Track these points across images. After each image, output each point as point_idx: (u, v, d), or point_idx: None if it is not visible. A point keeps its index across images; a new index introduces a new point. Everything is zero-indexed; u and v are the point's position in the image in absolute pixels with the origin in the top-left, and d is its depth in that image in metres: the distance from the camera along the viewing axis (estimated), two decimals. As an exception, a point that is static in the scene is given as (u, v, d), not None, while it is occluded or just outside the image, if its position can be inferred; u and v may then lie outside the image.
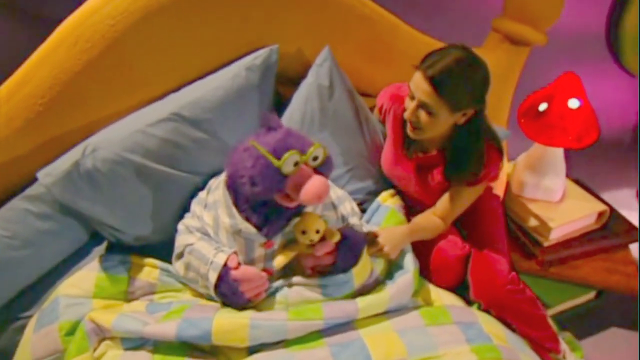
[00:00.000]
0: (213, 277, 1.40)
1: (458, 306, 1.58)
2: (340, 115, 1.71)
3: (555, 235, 2.24)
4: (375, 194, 1.74)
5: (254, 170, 1.30)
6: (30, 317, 1.50)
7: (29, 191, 1.53)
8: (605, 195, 2.44)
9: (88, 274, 1.51)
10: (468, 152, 1.54)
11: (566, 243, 2.28)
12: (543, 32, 1.95)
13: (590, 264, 2.27)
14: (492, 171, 1.57)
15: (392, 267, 1.58)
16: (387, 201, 1.71)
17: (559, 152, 2.25)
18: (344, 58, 1.75)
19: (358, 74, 1.81)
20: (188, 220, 1.52)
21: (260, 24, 1.63)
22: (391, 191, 1.74)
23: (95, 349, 1.40)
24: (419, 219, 1.64)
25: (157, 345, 1.38)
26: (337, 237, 1.43)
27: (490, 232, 1.71)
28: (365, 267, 1.48)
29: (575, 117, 2.12)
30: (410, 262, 1.56)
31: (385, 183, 1.76)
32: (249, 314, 1.37)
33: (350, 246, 1.43)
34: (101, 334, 1.39)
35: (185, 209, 1.57)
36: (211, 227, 1.48)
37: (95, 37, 1.43)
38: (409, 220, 1.67)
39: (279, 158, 1.29)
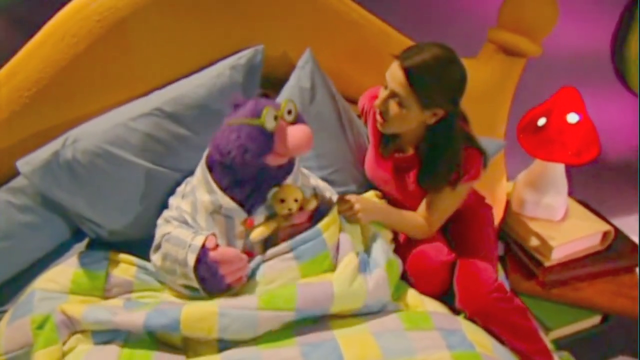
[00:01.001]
0: (192, 259, 1.35)
1: (441, 312, 1.52)
2: (322, 118, 1.70)
3: (557, 255, 2.17)
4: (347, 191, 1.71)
5: (240, 140, 1.33)
6: (6, 312, 1.49)
7: (12, 183, 1.53)
8: (612, 218, 2.36)
9: (65, 269, 1.50)
10: (438, 157, 1.50)
11: (569, 264, 2.20)
12: (538, 43, 1.94)
13: (594, 286, 2.19)
14: (472, 169, 1.52)
15: (368, 253, 1.51)
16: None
17: (559, 169, 2.20)
18: (332, 63, 1.75)
19: (347, 80, 1.81)
20: (166, 212, 1.51)
21: (247, 26, 1.65)
22: (377, 192, 1.71)
23: (64, 342, 1.38)
24: (401, 210, 1.60)
25: (128, 339, 1.35)
26: (314, 204, 1.45)
27: (478, 240, 1.65)
28: (335, 222, 1.46)
29: (574, 132, 2.09)
30: (382, 251, 1.50)
31: (369, 187, 1.74)
32: (217, 302, 1.33)
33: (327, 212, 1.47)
34: (72, 327, 1.37)
35: (166, 205, 1.55)
36: (189, 214, 1.46)
37: (82, 32, 1.46)
38: None
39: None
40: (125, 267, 1.51)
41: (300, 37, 1.72)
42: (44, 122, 1.52)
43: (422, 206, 1.59)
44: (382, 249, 1.51)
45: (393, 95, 1.45)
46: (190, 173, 1.55)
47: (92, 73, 1.52)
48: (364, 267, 1.44)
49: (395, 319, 1.42)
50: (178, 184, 1.57)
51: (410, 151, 1.59)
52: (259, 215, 1.43)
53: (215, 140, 1.40)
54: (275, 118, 1.33)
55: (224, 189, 1.41)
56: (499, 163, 2.19)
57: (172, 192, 1.56)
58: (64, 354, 1.35)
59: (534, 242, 2.22)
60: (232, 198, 1.41)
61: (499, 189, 2.23)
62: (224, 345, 1.35)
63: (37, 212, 1.53)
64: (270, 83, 1.71)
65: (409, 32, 1.86)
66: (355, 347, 1.30)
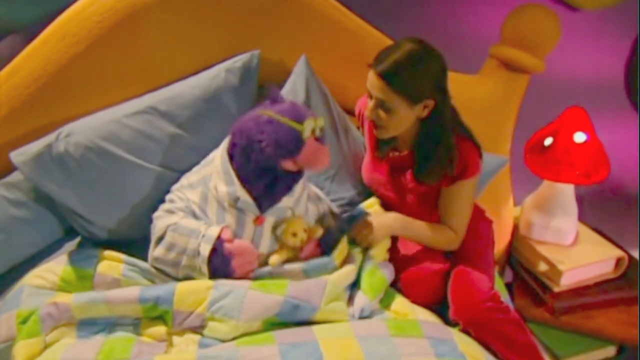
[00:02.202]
0: (206, 249, 1.36)
1: (432, 322, 1.45)
2: None
3: (567, 281, 2.08)
4: (353, 204, 1.68)
5: (277, 134, 1.37)
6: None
7: (7, 178, 1.55)
8: (630, 249, 2.27)
9: (54, 266, 1.50)
10: (434, 147, 1.47)
11: (580, 290, 2.11)
12: (541, 59, 1.92)
13: (607, 314, 2.08)
14: (470, 163, 1.49)
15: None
16: (373, 207, 1.64)
17: (568, 191, 2.14)
18: (329, 71, 1.77)
19: (345, 91, 1.81)
20: (167, 205, 1.51)
21: (245, 31, 1.68)
22: (377, 199, 1.68)
23: (47, 335, 1.36)
24: (417, 220, 1.57)
25: (111, 333, 1.36)
26: (320, 232, 1.49)
27: (474, 251, 1.59)
28: (344, 250, 1.50)
29: (582, 152, 2.04)
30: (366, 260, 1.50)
31: (365, 193, 1.71)
32: (211, 281, 1.37)
33: (332, 236, 1.52)
34: (57, 320, 1.35)
35: (155, 203, 1.54)
36: (197, 205, 1.46)
37: (82, 32, 1.51)
38: None
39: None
40: (113, 265, 1.50)
41: (297, 44, 1.74)
42: (42, 119, 1.55)
43: (440, 212, 1.58)
44: (364, 265, 1.50)
45: (379, 102, 1.44)
46: (181, 172, 1.56)
47: (91, 72, 1.55)
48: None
49: (381, 324, 1.37)
50: (169, 183, 1.57)
51: (406, 151, 1.57)
52: (270, 217, 1.45)
53: (243, 125, 1.42)
54: (312, 131, 1.40)
55: (243, 180, 1.43)
56: (504, 183, 2.14)
57: (163, 190, 1.56)
58: (46, 347, 1.33)
59: (542, 266, 2.14)
60: (248, 193, 1.43)
61: (505, 211, 2.17)
62: (205, 343, 1.33)
63: (30, 207, 1.55)
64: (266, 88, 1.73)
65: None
66: (337, 349, 1.26)
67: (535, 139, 2.15)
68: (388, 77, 1.39)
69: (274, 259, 1.43)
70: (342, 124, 1.77)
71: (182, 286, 1.35)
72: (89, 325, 1.36)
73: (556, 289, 2.08)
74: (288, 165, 1.42)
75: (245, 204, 1.42)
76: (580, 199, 2.23)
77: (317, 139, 1.43)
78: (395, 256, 1.56)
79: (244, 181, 1.42)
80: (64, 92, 1.55)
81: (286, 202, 1.45)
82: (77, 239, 1.61)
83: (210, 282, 1.36)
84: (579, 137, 2.03)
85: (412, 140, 1.54)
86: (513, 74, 1.94)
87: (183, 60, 1.64)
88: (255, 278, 1.42)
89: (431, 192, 1.56)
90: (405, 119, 1.45)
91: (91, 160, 1.49)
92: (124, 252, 1.54)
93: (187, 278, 1.44)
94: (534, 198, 2.22)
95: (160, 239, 1.46)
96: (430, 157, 1.48)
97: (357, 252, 1.51)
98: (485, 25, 2.18)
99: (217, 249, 1.38)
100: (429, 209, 1.59)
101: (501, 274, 2.27)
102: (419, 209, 1.58)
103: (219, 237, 1.38)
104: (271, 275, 1.42)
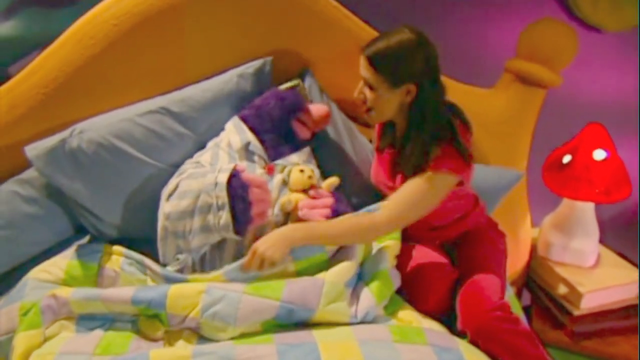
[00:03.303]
0: (224, 177, 1.38)
1: (437, 330, 1.40)
2: (320, 134, 1.73)
3: (588, 304, 2.00)
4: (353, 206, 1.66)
5: (280, 94, 1.62)
6: (3, 304, 1.50)
7: (22, 175, 1.59)
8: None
9: (59, 261, 1.51)
10: (414, 135, 1.44)
11: (601, 315, 2.02)
12: (557, 73, 1.89)
13: (631, 341, 1.99)
14: (445, 160, 1.40)
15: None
16: None
17: (589, 211, 2.07)
18: (342, 82, 1.77)
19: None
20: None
21: (259, 38, 1.70)
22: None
23: (47, 327, 1.36)
24: (329, 221, 1.45)
25: (110, 328, 1.34)
26: (335, 180, 1.57)
27: (485, 261, 1.53)
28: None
29: (602, 169, 1.98)
30: (373, 262, 1.44)
31: (370, 200, 1.68)
32: (205, 283, 1.33)
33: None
34: (57, 313, 1.34)
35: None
36: (208, 163, 1.53)
37: (99, 35, 1.55)
38: (403, 237, 1.56)
39: None
40: (115, 259, 1.51)
41: (309, 53, 1.77)
42: (58, 118, 1.58)
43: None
44: (373, 262, 1.46)
45: (366, 82, 1.46)
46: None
47: (106, 74, 1.59)
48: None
49: (384, 330, 1.32)
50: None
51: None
52: (279, 166, 1.55)
53: (251, 104, 1.64)
54: (304, 92, 1.68)
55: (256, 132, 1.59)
56: (521, 201, 2.08)
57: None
58: (46, 339, 1.33)
59: (561, 289, 2.06)
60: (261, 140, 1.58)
61: (522, 230, 2.11)
62: (203, 341, 1.31)
63: (41, 204, 1.57)
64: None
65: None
66: (336, 351, 1.22)
67: (554, 157, 2.10)
68: (373, 58, 1.42)
69: (284, 201, 1.49)
70: (348, 132, 1.77)
71: (174, 289, 1.31)
72: (88, 320, 1.35)
73: (576, 313, 2.00)
74: (299, 128, 1.61)
75: (255, 147, 1.55)
76: (602, 222, 2.17)
77: None
78: (402, 263, 1.52)
79: (256, 133, 1.58)
80: (79, 93, 1.59)
81: (295, 158, 1.57)
82: (87, 238, 1.62)
83: (202, 286, 1.31)
84: (599, 154, 1.99)
85: (403, 132, 1.52)
86: (529, 88, 1.91)
87: (196, 64, 1.67)
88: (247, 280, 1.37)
89: None
90: (386, 101, 1.45)
91: (103, 157, 1.51)
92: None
93: (185, 278, 1.41)
94: (553, 217, 2.16)
95: (171, 193, 1.46)
96: (410, 147, 1.45)
97: (359, 247, 1.46)
98: (501, 40, 2.17)
99: (235, 175, 1.38)
100: None
101: (518, 296, 2.19)
102: None
103: (234, 169, 1.40)
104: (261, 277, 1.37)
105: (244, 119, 1.62)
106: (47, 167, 1.49)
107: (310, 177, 1.52)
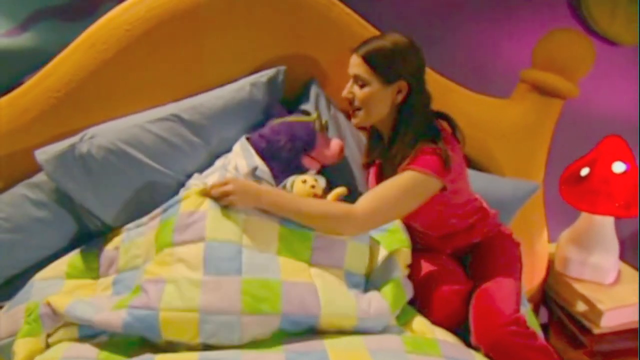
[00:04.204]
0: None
1: (451, 342, 1.35)
2: None
3: (609, 323, 1.93)
4: None
5: (292, 131, 1.58)
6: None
7: (32, 179, 1.57)
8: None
9: (63, 259, 1.52)
10: (402, 135, 1.42)
11: (623, 334, 1.95)
12: (574, 83, 1.86)
13: (654, 362, 1.91)
14: (421, 158, 1.35)
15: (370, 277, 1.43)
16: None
17: (608, 225, 2.01)
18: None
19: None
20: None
21: (271, 44, 1.70)
22: None
23: (50, 335, 1.33)
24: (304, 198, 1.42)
25: (113, 336, 1.29)
26: (343, 190, 1.49)
27: (499, 271, 1.48)
28: None
29: (621, 182, 1.93)
30: (383, 272, 1.39)
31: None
32: (198, 304, 1.22)
33: None
34: (56, 320, 1.32)
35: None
36: None
37: (111, 40, 1.55)
38: (413, 242, 1.53)
39: None
40: (116, 234, 1.52)
41: (323, 63, 1.77)
42: (70, 123, 1.58)
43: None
44: (384, 271, 1.41)
45: (355, 79, 1.44)
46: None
47: (118, 79, 1.59)
48: (352, 286, 1.36)
49: (396, 340, 1.27)
50: (183, 187, 1.58)
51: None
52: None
53: (260, 132, 1.61)
54: (321, 125, 1.61)
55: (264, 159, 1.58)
56: (537, 215, 2.04)
57: (176, 194, 1.53)
58: (49, 346, 1.30)
59: (580, 306, 1.99)
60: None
61: (539, 244, 2.05)
62: (208, 349, 1.26)
63: (51, 208, 1.55)
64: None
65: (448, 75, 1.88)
66: (346, 360, 1.17)
67: (571, 169, 2.05)
68: (366, 55, 1.41)
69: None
70: (357, 144, 1.75)
71: (165, 318, 1.21)
72: (90, 327, 1.31)
73: (596, 331, 1.93)
74: (308, 162, 1.59)
75: (263, 172, 1.53)
76: (622, 237, 2.11)
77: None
78: (413, 273, 1.47)
79: (263, 159, 1.57)
80: (92, 98, 1.58)
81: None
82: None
83: (196, 315, 1.21)
84: (618, 166, 1.94)
85: (389, 138, 1.49)
86: (545, 99, 1.88)
87: (210, 71, 1.66)
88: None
89: None
90: (378, 98, 1.42)
91: (112, 163, 1.50)
92: None
93: None
94: (571, 232, 2.10)
95: None
96: (394, 146, 1.43)
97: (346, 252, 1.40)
98: (515, 51, 2.16)
99: None
100: (424, 215, 1.48)
101: (536, 313, 2.13)
102: (414, 216, 1.47)
103: None
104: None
105: (253, 145, 1.60)
106: (57, 172, 1.48)
107: (313, 186, 1.49)
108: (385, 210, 1.34)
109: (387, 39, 1.42)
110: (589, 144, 2.11)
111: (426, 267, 1.48)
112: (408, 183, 1.34)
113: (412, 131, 1.40)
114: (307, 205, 1.34)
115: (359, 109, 1.45)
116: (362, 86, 1.43)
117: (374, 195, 1.34)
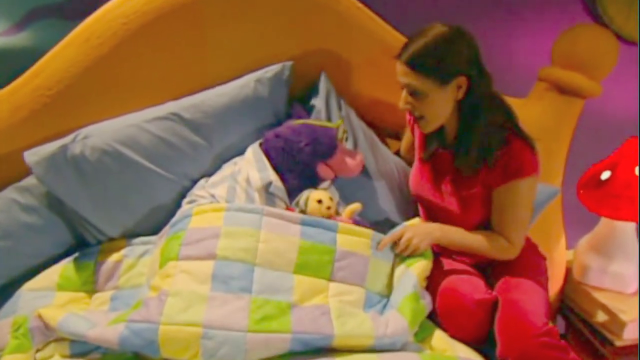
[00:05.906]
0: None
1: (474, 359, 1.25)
2: None
3: (631, 335, 1.83)
4: (377, 223, 1.56)
5: (314, 134, 1.48)
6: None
7: (21, 182, 1.49)
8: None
9: (55, 268, 1.43)
10: (471, 129, 1.37)
11: (647, 346, 1.85)
12: (597, 81, 1.77)
13: (682, 376, 1.81)
14: (524, 161, 1.37)
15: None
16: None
17: (630, 230, 1.92)
18: (369, 89, 1.71)
19: (383, 107, 1.73)
20: (187, 206, 1.44)
21: (276, 38, 1.61)
22: (418, 219, 1.53)
23: (39, 350, 1.24)
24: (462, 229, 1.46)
25: (107, 352, 1.21)
26: (358, 207, 1.47)
27: (526, 283, 1.40)
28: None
29: (645, 186, 1.83)
30: (402, 288, 1.31)
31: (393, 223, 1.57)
32: (201, 318, 1.14)
33: None
34: (47, 334, 1.24)
35: (172, 214, 1.44)
36: (224, 199, 1.43)
37: (107, 34, 1.46)
38: (438, 249, 1.49)
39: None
40: (117, 248, 1.44)
41: (333, 58, 1.68)
42: (63, 122, 1.49)
43: (495, 227, 1.45)
44: (402, 284, 1.33)
45: (409, 90, 1.37)
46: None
47: (114, 76, 1.50)
48: (372, 304, 1.30)
49: (413, 358, 1.18)
50: (186, 192, 1.49)
51: (452, 147, 1.48)
52: (298, 210, 1.45)
53: (278, 132, 1.51)
54: (343, 133, 1.53)
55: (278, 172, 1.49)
56: (555, 220, 1.95)
57: (178, 201, 1.48)
58: None
59: (600, 316, 1.90)
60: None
61: (556, 252, 1.96)
62: None
63: (41, 213, 1.47)
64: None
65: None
66: (359, 379, 1.08)
67: (591, 173, 1.96)
68: (412, 61, 1.33)
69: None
70: (370, 144, 1.67)
71: (164, 333, 1.14)
72: (83, 343, 1.23)
73: (618, 343, 1.83)
74: (324, 170, 1.51)
75: (277, 189, 1.44)
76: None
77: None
78: (432, 283, 1.38)
79: (278, 172, 1.48)
80: (86, 96, 1.50)
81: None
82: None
83: (199, 330, 1.14)
84: (642, 170, 1.84)
85: (455, 131, 1.44)
86: (565, 98, 1.79)
87: (212, 67, 1.58)
88: None
89: (472, 197, 1.43)
90: (439, 102, 1.36)
91: (107, 165, 1.42)
92: None
93: None
94: (590, 238, 2.00)
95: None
96: (467, 140, 1.38)
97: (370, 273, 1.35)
98: (531, 50, 2.08)
99: None
100: (473, 215, 1.45)
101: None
102: (462, 216, 1.44)
103: None
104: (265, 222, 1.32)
105: (267, 151, 1.50)
106: (47, 175, 1.39)
107: (328, 207, 1.42)
108: (527, 227, 1.49)
109: (429, 35, 1.33)
110: (604, 145, 2.03)
111: (448, 276, 1.40)
112: (530, 193, 1.44)
113: (483, 119, 1.36)
114: (470, 238, 1.44)
115: (421, 117, 1.39)
116: (416, 94, 1.35)
117: (515, 224, 1.43)
